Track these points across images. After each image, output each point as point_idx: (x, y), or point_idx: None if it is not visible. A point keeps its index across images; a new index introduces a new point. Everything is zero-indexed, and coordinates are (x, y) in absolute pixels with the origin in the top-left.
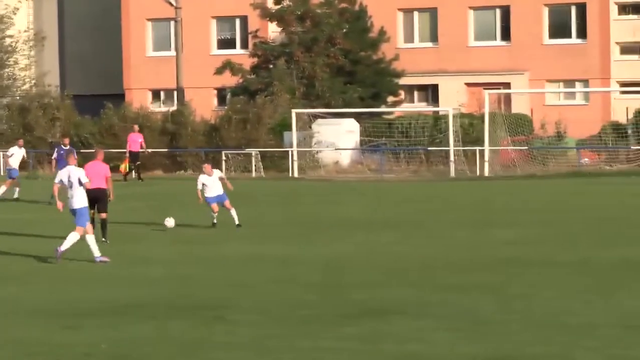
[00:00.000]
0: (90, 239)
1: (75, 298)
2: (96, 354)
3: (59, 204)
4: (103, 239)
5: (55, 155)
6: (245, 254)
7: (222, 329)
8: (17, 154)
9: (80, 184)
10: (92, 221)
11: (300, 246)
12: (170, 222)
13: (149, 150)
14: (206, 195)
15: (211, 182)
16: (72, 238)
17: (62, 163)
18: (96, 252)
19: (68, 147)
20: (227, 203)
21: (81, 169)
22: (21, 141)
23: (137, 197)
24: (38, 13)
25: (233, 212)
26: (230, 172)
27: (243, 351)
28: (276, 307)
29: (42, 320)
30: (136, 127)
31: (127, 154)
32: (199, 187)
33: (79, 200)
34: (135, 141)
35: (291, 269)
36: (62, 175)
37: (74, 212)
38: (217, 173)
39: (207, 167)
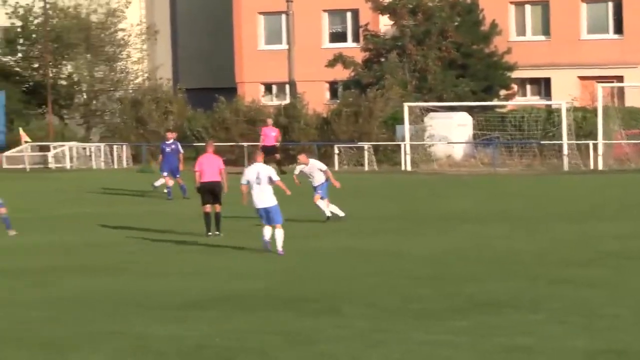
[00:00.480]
0: (278, 234)
1: (179, 290)
2: (210, 347)
3: (245, 201)
4: (217, 232)
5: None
6: (353, 246)
7: (330, 321)
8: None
9: (271, 181)
10: (207, 216)
11: (410, 239)
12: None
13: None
14: (314, 184)
15: (311, 172)
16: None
17: (168, 159)
18: (280, 245)
19: (171, 141)
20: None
21: (269, 167)
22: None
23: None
24: (150, 7)
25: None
26: (343, 165)
27: (352, 343)
28: (386, 299)
29: (147, 312)
30: (270, 120)
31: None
32: (296, 172)
33: (270, 198)
34: (269, 135)
35: (401, 262)
36: (250, 174)
37: (266, 211)
38: (316, 164)
39: (302, 157)
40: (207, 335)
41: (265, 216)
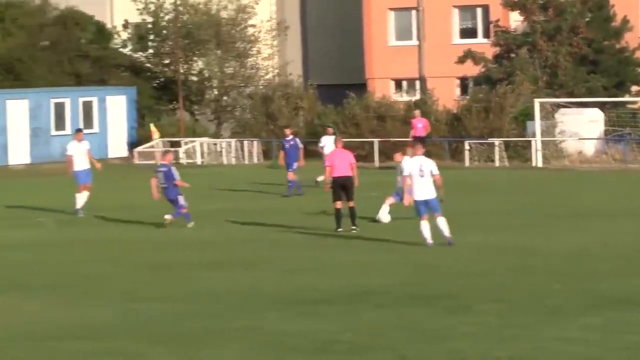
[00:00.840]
0: (441, 222)
1: (310, 285)
2: (341, 342)
3: (407, 199)
4: (353, 227)
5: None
6: (483, 242)
7: (461, 318)
8: (328, 144)
9: (432, 175)
10: (338, 212)
11: (541, 235)
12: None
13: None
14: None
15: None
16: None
17: (288, 154)
18: (447, 233)
19: (290, 138)
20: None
21: (432, 160)
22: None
23: (376, 186)
24: (281, 3)
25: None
26: (474, 161)
27: (482, 340)
28: (517, 296)
29: (279, 307)
30: (417, 112)
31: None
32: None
33: (431, 190)
34: (417, 126)
35: (532, 258)
36: (412, 166)
37: (426, 202)
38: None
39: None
40: (338, 330)
41: (425, 208)
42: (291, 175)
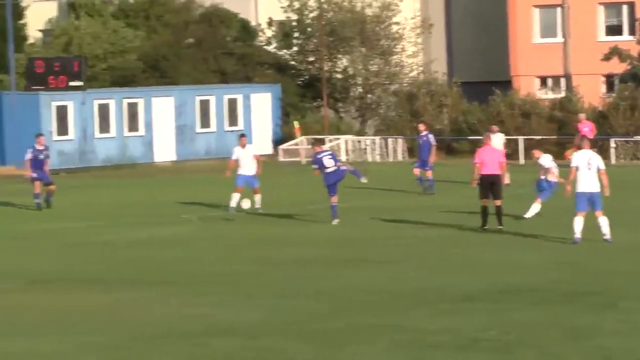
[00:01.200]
0: (603, 221)
1: (454, 283)
2: (486, 340)
3: (569, 189)
4: (499, 226)
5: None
6: (631, 241)
7: (612, 316)
8: (497, 140)
9: (598, 170)
10: (485, 210)
11: None
12: (245, 204)
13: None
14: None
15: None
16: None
17: (423, 149)
18: (606, 232)
19: (424, 134)
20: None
21: (599, 156)
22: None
23: (521, 183)
24: (425, 0)
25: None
26: (620, 159)
27: (630, 337)
28: None
29: (421, 305)
30: (582, 115)
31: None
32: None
33: (596, 184)
34: (582, 130)
35: None
36: (581, 159)
37: (591, 195)
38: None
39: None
40: (483, 328)
41: (585, 202)
42: (429, 173)
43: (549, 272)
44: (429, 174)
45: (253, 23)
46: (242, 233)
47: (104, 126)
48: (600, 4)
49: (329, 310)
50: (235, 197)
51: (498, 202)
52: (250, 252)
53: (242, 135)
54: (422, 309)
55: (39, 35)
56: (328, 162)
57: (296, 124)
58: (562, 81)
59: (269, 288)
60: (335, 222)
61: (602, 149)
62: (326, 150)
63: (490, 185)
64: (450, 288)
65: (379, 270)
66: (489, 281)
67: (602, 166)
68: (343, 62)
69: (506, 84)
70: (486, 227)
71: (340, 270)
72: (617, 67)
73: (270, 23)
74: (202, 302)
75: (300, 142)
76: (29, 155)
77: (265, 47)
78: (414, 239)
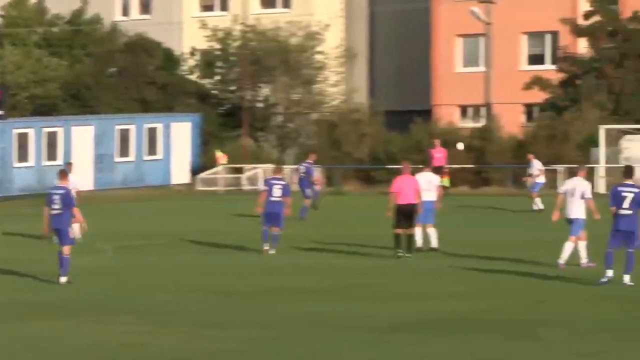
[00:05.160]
0: (582, 245)
1: (385, 313)
2: None
3: (556, 214)
4: (408, 255)
5: None
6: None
7: (526, 344)
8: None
9: (583, 197)
10: (398, 237)
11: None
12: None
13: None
14: None
15: None
16: (567, 247)
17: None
18: (584, 257)
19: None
20: None
21: (588, 183)
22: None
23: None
24: (349, 30)
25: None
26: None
27: None
28: (584, 322)
29: (343, 335)
30: (437, 142)
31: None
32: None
33: (579, 210)
34: (436, 157)
35: (586, 286)
36: (569, 185)
37: (572, 221)
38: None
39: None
40: (404, 357)
41: (571, 226)
42: (306, 201)
43: (473, 301)
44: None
45: (177, 52)
46: (159, 263)
47: (23, 155)
48: (524, 33)
49: (240, 343)
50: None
51: (411, 231)
52: (170, 280)
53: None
54: (346, 339)
55: None
56: (276, 191)
57: (218, 153)
58: (483, 110)
59: (195, 317)
60: (272, 251)
61: (520, 179)
62: (281, 180)
63: (406, 214)
64: (377, 317)
65: (302, 301)
66: (414, 310)
67: (588, 195)
68: (265, 91)
69: (428, 113)
70: (400, 253)
71: (273, 301)
72: (538, 96)
73: (192, 52)
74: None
75: (219, 171)
76: None
77: (188, 76)
78: (335, 268)
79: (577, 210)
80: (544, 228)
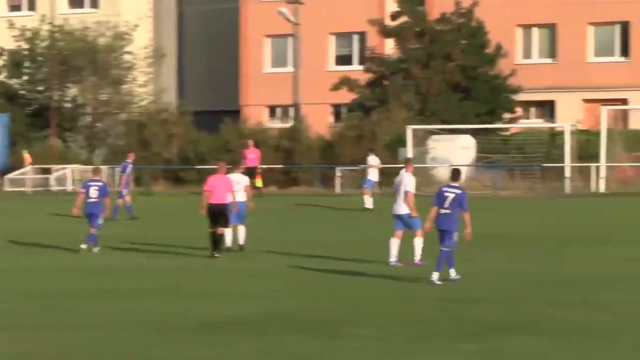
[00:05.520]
0: (418, 242)
1: (190, 312)
2: None
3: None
4: (216, 254)
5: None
6: (356, 271)
7: (336, 343)
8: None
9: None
10: (214, 237)
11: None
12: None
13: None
14: None
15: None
16: (393, 244)
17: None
18: (418, 255)
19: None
20: None
21: (413, 177)
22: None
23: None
24: (158, 30)
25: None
26: (346, 188)
27: None
28: (392, 322)
29: (156, 335)
30: (250, 142)
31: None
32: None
33: (403, 206)
34: (249, 157)
35: (405, 284)
36: (395, 182)
37: (399, 218)
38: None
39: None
40: (210, 358)
41: (398, 223)
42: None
43: (287, 301)
44: (121, 201)
45: None
46: None
47: None
48: (332, 34)
49: (49, 343)
50: None
51: (222, 230)
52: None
53: None
54: (158, 339)
55: None
56: (93, 192)
57: (25, 153)
58: (291, 110)
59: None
60: (95, 249)
61: (327, 178)
62: (99, 181)
63: (218, 213)
64: (190, 317)
65: (116, 301)
66: (222, 310)
67: (408, 189)
68: (73, 91)
69: (237, 113)
70: (216, 254)
71: (72, 302)
72: (347, 96)
73: (0, 52)
74: None
75: (27, 172)
76: None
77: None
78: (149, 268)
79: (405, 206)
80: (370, 227)
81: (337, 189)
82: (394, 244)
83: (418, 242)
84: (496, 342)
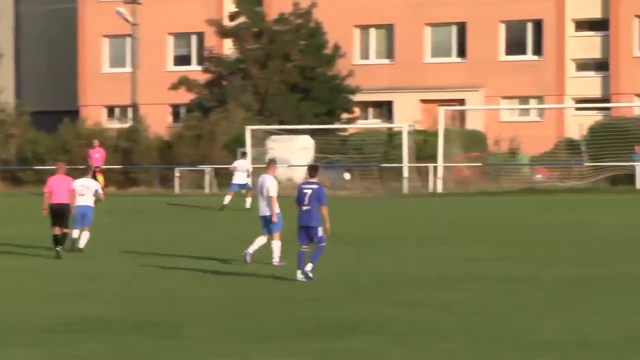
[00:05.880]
0: (276, 244)
1: (24, 314)
2: None
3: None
4: (58, 251)
5: None
6: (189, 269)
7: (171, 344)
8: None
9: (268, 195)
10: (56, 237)
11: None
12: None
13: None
14: None
15: None
16: (276, 246)
17: None
18: (276, 257)
19: None
20: None
21: (274, 180)
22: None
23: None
24: None
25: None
26: (184, 188)
27: None
28: (229, 321)
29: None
30: (96, 142)
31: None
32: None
33: (267, 209)
34: (93, 157)
35: (242, 284)
36: (257, 184)
37: (263, 219)
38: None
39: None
40: None
41: (264, 224)
42: None
43: (121, 303)
44: None
45: None
46: None
47: None
48: (170, 34)
49: None
50: None
51: (64, 230)
52: None
53: None
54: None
55: None
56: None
57: None
58: (130, 111)
59: None
60: None
61: (166, 179)
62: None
63: (59, 213)
64: (14, 319)
65: None
66: (64, 311)
67: (271, 193)
68: None
69: (77, 114)
70: (59, 250)
71: None
72: (186, 96)
73: None
74: None
75: None
76: None
77: None
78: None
79: (268, 208)
80: (227, 226)
81: (176, 189)
82: (261, 240)
83: (276, 245)
84: (336, 341)
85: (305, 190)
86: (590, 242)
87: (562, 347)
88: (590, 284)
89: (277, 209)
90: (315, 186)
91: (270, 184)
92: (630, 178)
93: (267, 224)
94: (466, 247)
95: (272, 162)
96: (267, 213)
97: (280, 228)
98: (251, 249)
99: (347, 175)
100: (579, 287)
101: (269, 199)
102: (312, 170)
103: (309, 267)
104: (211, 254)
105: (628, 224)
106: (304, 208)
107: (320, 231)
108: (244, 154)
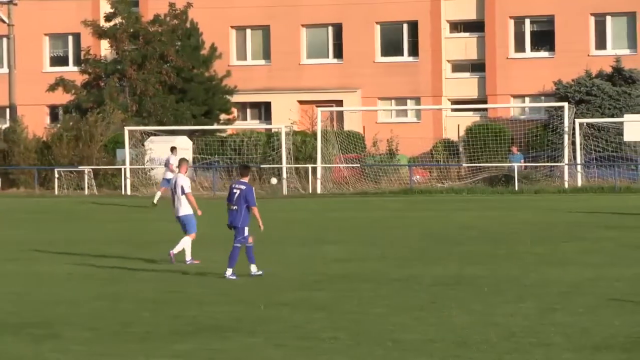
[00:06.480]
0: (187, 242)
1: None
2: None
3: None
4: None
5: None
6: (68, 271)
7: (50, 345)
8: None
9: (183, 192)
10: None
11: (135, 263)
12: (273, 180)
13: None
14: None
15: None
16: (184, 243)
17: None
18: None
19: None
20: None
21: (187, 178)
22: None
23: None
24: None
25: None
26: (63, 189)
27: None
28: (107, 323)
29: None
30: None
31: None
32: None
33: (182, 208)
34: None
35: (120, 285)
36: (171, 183)
37: (178, 219)
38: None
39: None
40: None
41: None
42: None
43: (9, 303)
44: None
45: None
46: None
47: None
48: (46, 34)
49: None
50: None
51: None
52: None
53: None
54: None
55: None
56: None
57: None
58: (7, 112)
59: None
60: None
61: (45, 180)
62: None
63: None
64: None
65: None
66: None
67: (186, 190)
68: None
69: None
70: None
71: None
72: (63, 97)
73: None
74: None
75: None
76: None
77: None
78: None
79: (184, 207)
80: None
81: (56, 190)
82: (185, 241)
83: (187, 242)
84: (212, 342)
85: (234, 190)
86: (468, 242)
87: (443, 347)
88: (469, 285)
89: (194, 206)
90: (243, 187)
91: (183, 182)
92: (508, 179)
93: (184, 225)
94: (345, 248)
95: (184, 161)
96: (180, 213)
97: (195, 229)
98: (176, 249)
99: (274, 180)
100: (456, 286)
101: (186, 197)
102: (243, 169)
103: (253, 268)
104: (97, 254)
105: (504, 224)
106: (232, 207)
107: (245, 231)
108: (173, 149)
